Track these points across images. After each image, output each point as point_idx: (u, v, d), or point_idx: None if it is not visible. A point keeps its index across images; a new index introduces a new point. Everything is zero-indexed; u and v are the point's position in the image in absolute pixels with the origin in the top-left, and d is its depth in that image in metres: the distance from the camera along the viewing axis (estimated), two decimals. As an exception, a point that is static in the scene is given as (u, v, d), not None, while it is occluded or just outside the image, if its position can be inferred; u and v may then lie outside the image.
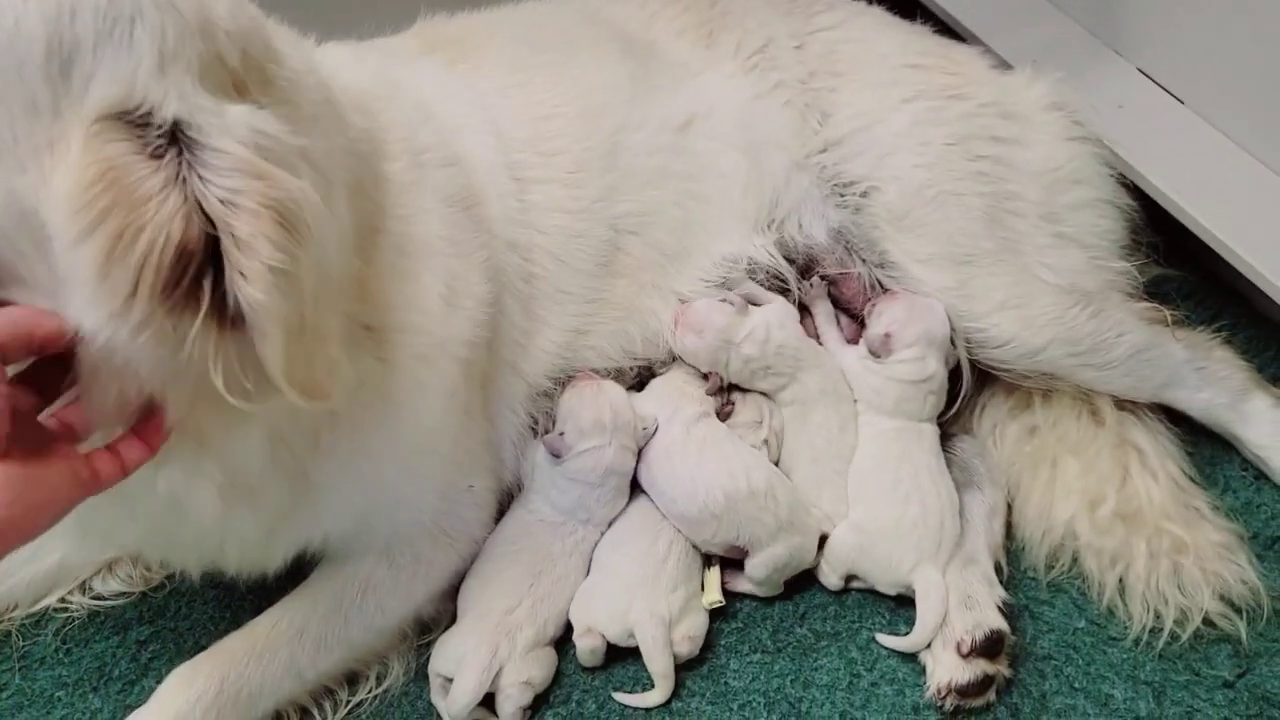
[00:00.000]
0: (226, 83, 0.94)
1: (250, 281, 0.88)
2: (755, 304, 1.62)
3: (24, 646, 1.48)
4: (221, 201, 0.88)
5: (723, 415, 1.59)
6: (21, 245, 0.90)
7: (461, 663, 1.35)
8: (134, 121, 0.89)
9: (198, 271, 0.89)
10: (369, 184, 1.20)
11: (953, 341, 1.58)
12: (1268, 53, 1.65)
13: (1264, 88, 1.69)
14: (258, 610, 1.40)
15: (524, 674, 1.37)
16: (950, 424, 1.64)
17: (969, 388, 1.63)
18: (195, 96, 0.91)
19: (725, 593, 1.50)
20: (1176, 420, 1.64)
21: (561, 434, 1.49)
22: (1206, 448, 1.66)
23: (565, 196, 1.51)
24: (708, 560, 1.52)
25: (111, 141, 0.88)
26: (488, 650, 1.35)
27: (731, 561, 1.52)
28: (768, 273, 1.64)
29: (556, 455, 1.49)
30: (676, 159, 1.59)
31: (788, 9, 1.74)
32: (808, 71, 1.67)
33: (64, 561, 1.48)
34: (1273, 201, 1.70)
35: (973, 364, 1.61)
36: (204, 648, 1.37)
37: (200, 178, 0.88)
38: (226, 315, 0.90)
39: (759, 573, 1.48)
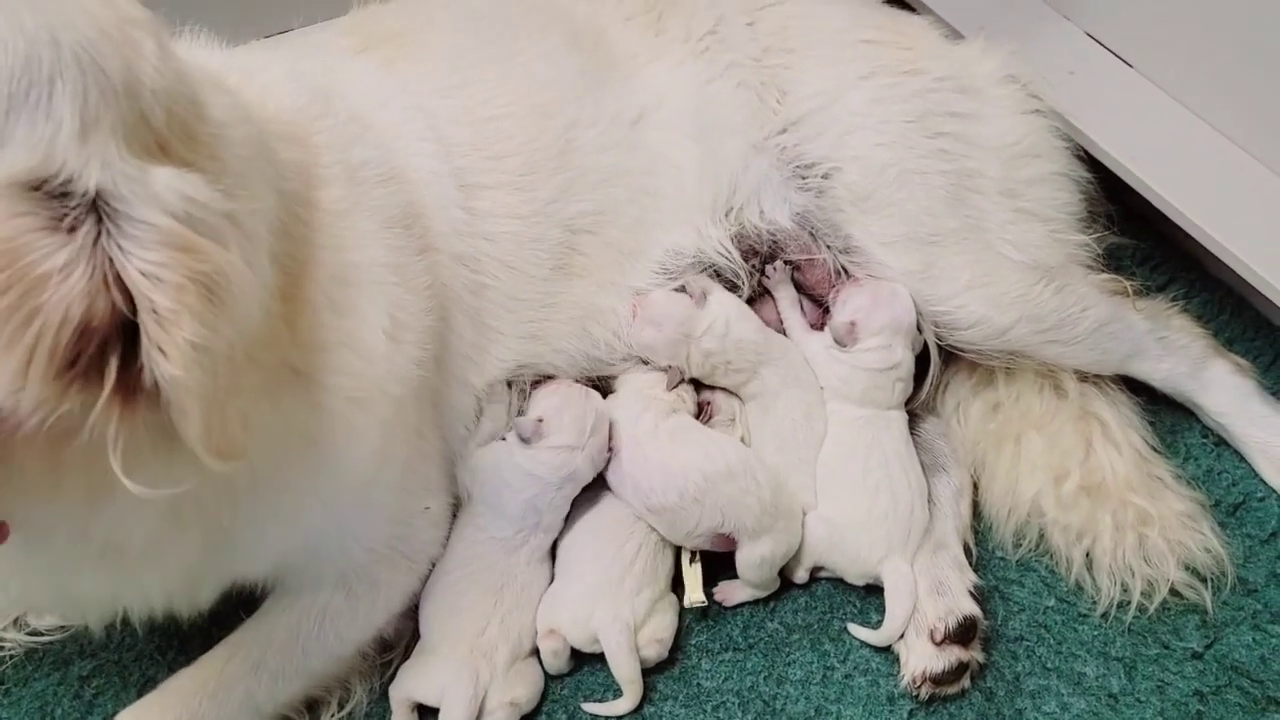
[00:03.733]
0: (150, 143, 0.88)
1: (170, 358, 0.83)
2: (704, 292, 1.57)
3: (-43, 690, 1.39)
4: (143, 274, 0.83)
5: (704, 419, 1.57)
6: None
7: (445, 694, 1.31)
8: (50, 192, 0.82)
9: (102, 348, 0.83)
10: (296, 222, 1.13)
11: (919, 327, 1.56)
12: (1212, 14, 1.64)
13: (1209, 49, 1.68)
14: (206, 638, 1.34)
15: (509, 694, 1.34)
16: (913, 403, 1.62)
17: (936, 372, 1.61)
18: (119, 163, 0.84)
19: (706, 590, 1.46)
20: (1137, 390, 1.65)
21: (539, 420, 1.44)
22: (1167, 416, 1.66)
23: (516, 200, 1.44)
24: (691, 556, 1.48)
25: (16, 213, 0.81)
26: (469, 677, 1.31)
27: (712, 558, 1.47)
28: (720, 267, 1.59)
29: (525, 440, 1.43)
30: (630, 154, 1.54)
31: (737, -16, 1.68)
32: (761, 49, 1.61)
33: (-8, 600, 1.40)
34: (1222, 165, 1.70)
35: (938, 346, 1.59)
36: (151, 680, 1.32)
37: (120, 248, 0.83)
38: (135, 391, 0.85)
39: (753, 573, 1.43)
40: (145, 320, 0.83)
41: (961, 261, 1.53)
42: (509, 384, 1.51)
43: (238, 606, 1.37)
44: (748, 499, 1.42)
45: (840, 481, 1.49)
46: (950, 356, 1.62)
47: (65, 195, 0.83)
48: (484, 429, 1.48)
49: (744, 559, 1.43)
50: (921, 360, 1.59)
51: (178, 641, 1.42)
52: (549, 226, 1.47)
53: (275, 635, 1.31)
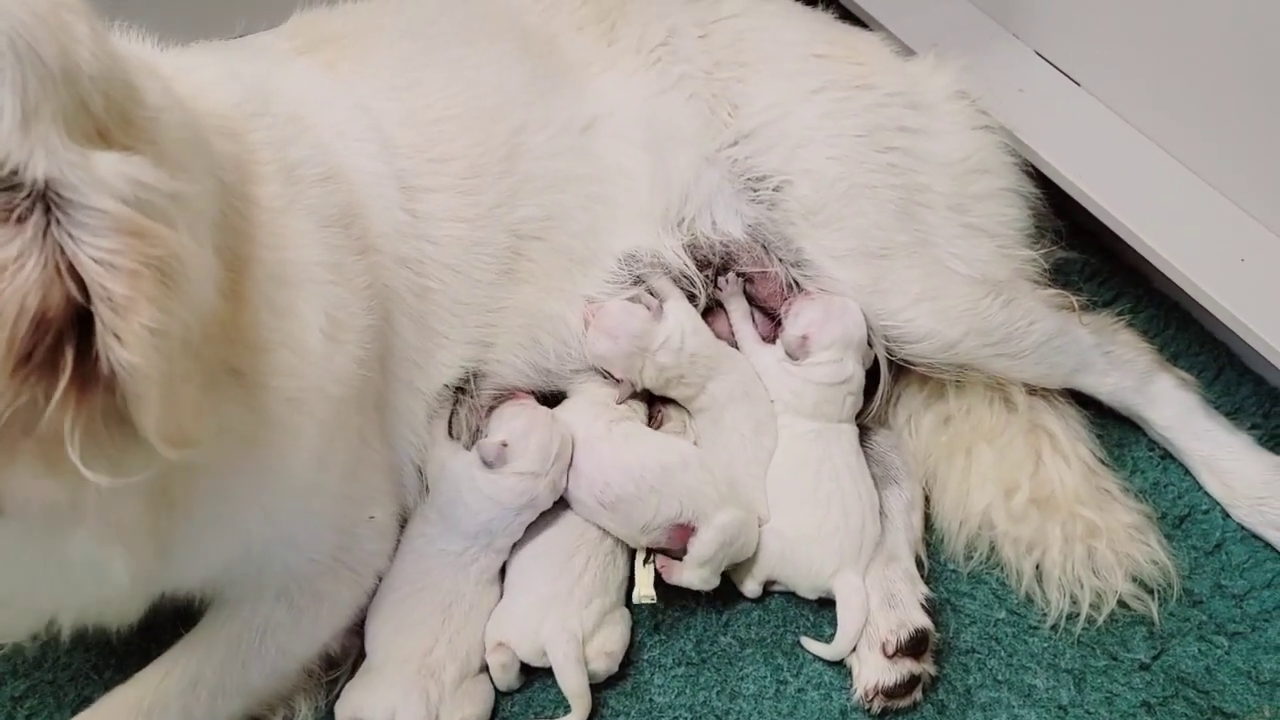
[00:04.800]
0: (90, 129, 0.87)
1: (126, 345, 0.82)
2: (660, 298, 1.58)
3: (-119, 711, 1.35)
4: (96, 262, 0.82)
5: (654, 425, 1.57)
6: None
7: (396, 716, 1.29)
8: None
9: (58, 339, 0.83)
10: (235, 215, 1.12)
11: (870, 342, 1.56)
12: (1158, 35, 1.67)
13: (1155, 69, 1.71)
14: (143, 655, 1.31)
15: (458, 714, 1.32)
16: (864, 416, 1.62)
17: (886, 386, 1.62)
18: (63, 151, 0.84)
19: (658, 591, 1.43)
20: (1085, 404, 1.66)
21: (504, 444, 1.42)
22: (1115, 430, 1.68)
23: (460, 204, 1.43)
24: (646, 557, 1.45)
25: None
26: (419, 697, 1.29)
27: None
28: (676, 274, 1.59)
29: (488, 464, 1.42)
30: (579, 161, 1.54)
31: (691, -5, 1.69)
32: (713, 62, 1.62)
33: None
34: (1167, 182, 1.72)
35: (889, 360, 1.60)
36: (86, 700, 1.29)
37: (71, 236, 0.82)
38: (90, 381, 0.84)
39: (708, 549, 1.39)
40: (100, 308, 0.83)
41: (911, 275, 1.54)
42: (461, 391, 1.49)
43: (176, 622, 1.33)
44: (704, 487, 1.42)
45: (792, 495, 1.49)
46: (901, 369, 1.63)
47: (13, 188, 0.82)
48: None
49: (702, 540, 1.40)
50: (872, 374, 1.60)
51: (114, 660, 1.39)
52: (495, 231, 1.46)
53: (214, 650, 1.27)
